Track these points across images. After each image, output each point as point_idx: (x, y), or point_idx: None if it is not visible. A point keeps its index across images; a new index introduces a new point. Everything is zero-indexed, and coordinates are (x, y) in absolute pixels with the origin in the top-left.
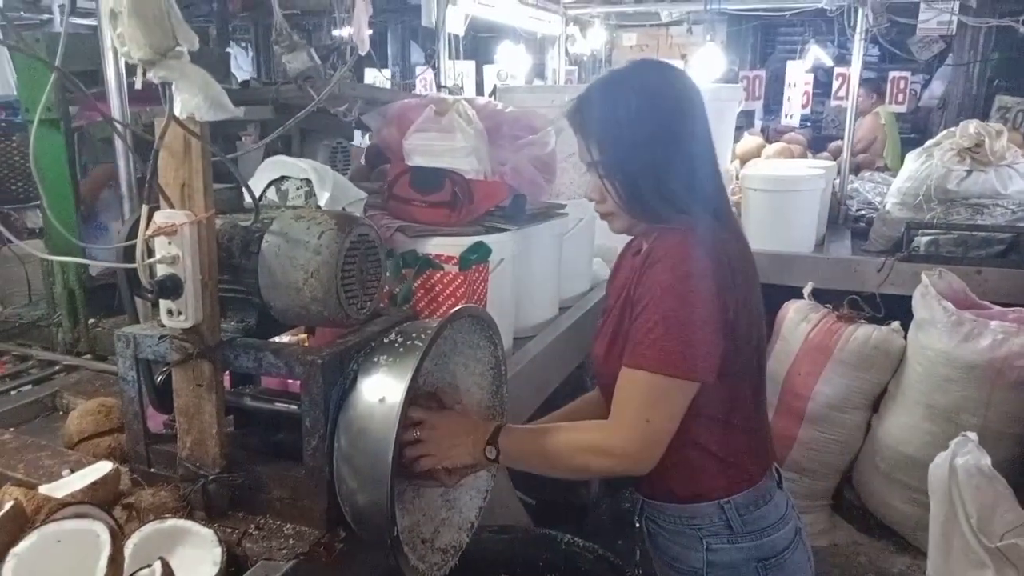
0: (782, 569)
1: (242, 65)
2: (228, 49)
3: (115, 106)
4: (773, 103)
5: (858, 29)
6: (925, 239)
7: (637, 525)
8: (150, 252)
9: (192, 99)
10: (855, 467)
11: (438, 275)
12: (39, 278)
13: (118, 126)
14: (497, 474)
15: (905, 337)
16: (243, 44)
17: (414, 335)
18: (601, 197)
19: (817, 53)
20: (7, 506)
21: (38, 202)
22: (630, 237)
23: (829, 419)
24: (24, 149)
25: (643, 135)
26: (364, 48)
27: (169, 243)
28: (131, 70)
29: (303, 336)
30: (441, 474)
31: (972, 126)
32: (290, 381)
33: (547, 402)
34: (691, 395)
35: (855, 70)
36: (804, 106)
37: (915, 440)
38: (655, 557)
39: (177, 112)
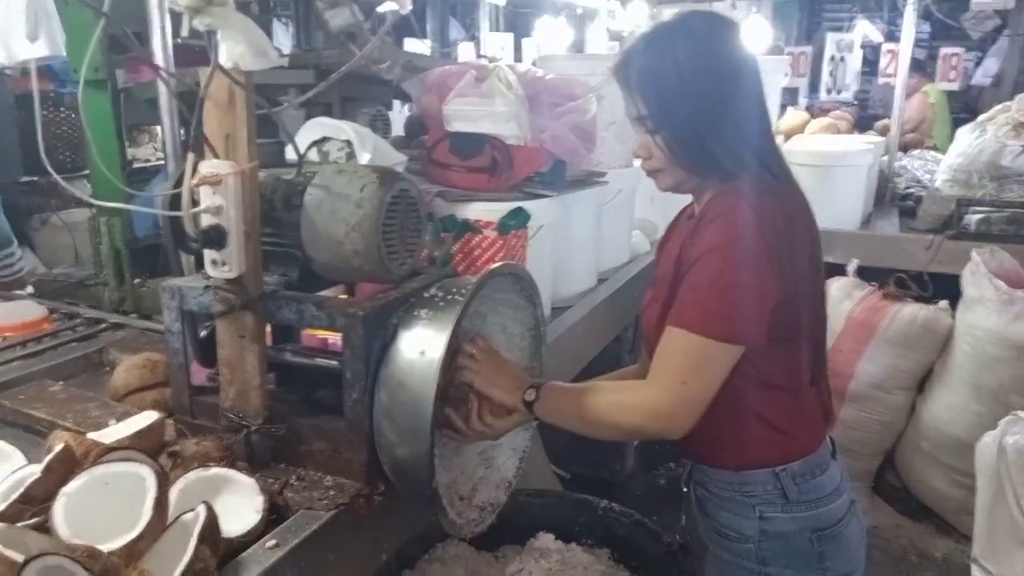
0: (837, 540)
1: (283, 41)
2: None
3: (160, 60)
4: (819, 80)
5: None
6: (976, 217)
7: (685, 490)
8: (195, 203)
9: (236, 47)
10: (897, 448)
11: (477, 239)
12: (85, 246)
13: (163, 74)
14: (534, 434)
15: (953, 316)
16: (284, 20)
17: (454, 290)
18: (648, 153)
19: (866, 28)
20: (58, 448)
21: (85, 171)
22: (675, 209)
23: (872, 398)
24: (71, 119)
25: (691, 86)
26: (406, 7)
27: (213, 193)
28: (176, 23)
29: (342, 296)
30: (483, 416)
31: None
32: (330, 341)
33: (583, 374)
34: (733, 359)
35: (905, 45)
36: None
37: (961, 421)
38: (703, 524)
39: (222, 61)
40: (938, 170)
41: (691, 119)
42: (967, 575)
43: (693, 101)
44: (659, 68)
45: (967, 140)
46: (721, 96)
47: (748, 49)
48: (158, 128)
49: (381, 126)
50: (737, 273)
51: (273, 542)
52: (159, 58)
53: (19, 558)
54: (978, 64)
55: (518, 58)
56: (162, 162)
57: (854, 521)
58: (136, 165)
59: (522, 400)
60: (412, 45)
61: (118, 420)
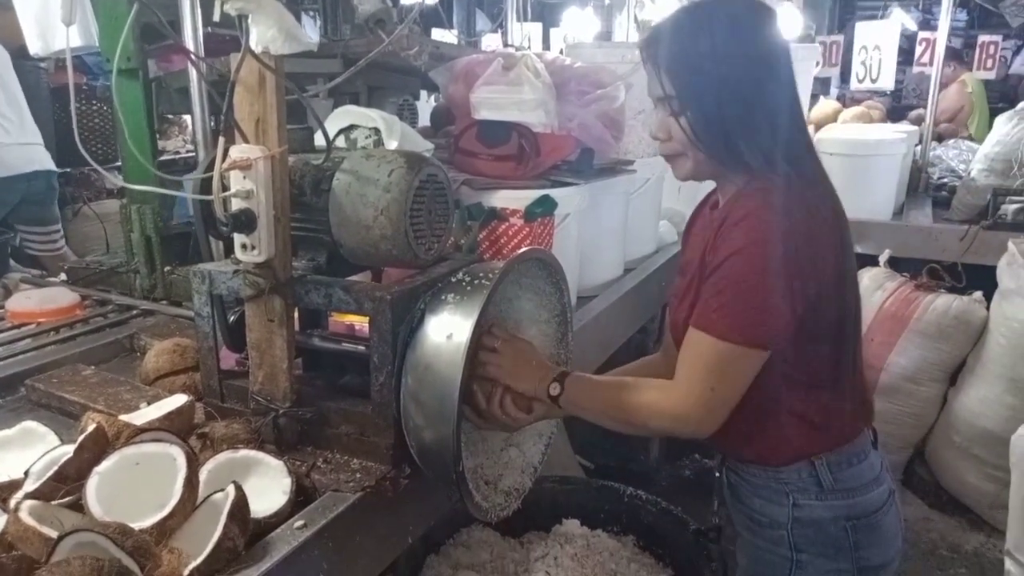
0: (873, 530)
1: (310, 34)
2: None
3: (191, 46)
4: (852, 71)
5: None
6: (1013, 207)
7: (718, 475)
8: (225, 188)
9: (267, 31)
10: (928, 441)
11: (503, 227)
12: (116, 236)
13: (194, 58)
14: (558, 422)
15: (987, 308)
16: (311, 13)
17: (481, 275)
18: (667, 135)
19: (900, 17)
20: (90, 428)
21: (117, 163)
22: (700, 196)
23: (903, 391)
24: (103, 112)
25: (723, 71)
26: None
27: (244, 177)
28: (207, 11)
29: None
30: (507, 407)
31: None
32: (357, 328)
33: (609, 362)
34: (759, 362)
35: (941, 33)
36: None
37: (995, 414)
38: (735, 509)
39: (253, 45)
40: (974, 159)
41: (719, 104)
42: (999, 570)
43: (723, 86)
44: (692, 49)
45: (1005, 128)
46: (753, 84)
47: (783, 38)
48: (187, 119)
49: (408, 116)
50: (760, 278)
51: (301, 522)
52: (190, 44)
53: (53, 534)
54: (1017, 52)
55: (546, 48)
56: (192, 154)
57: (892, 511)
58: (165, 157)
59: (546, 392)
60: (439, 35)
61: (149, 403)
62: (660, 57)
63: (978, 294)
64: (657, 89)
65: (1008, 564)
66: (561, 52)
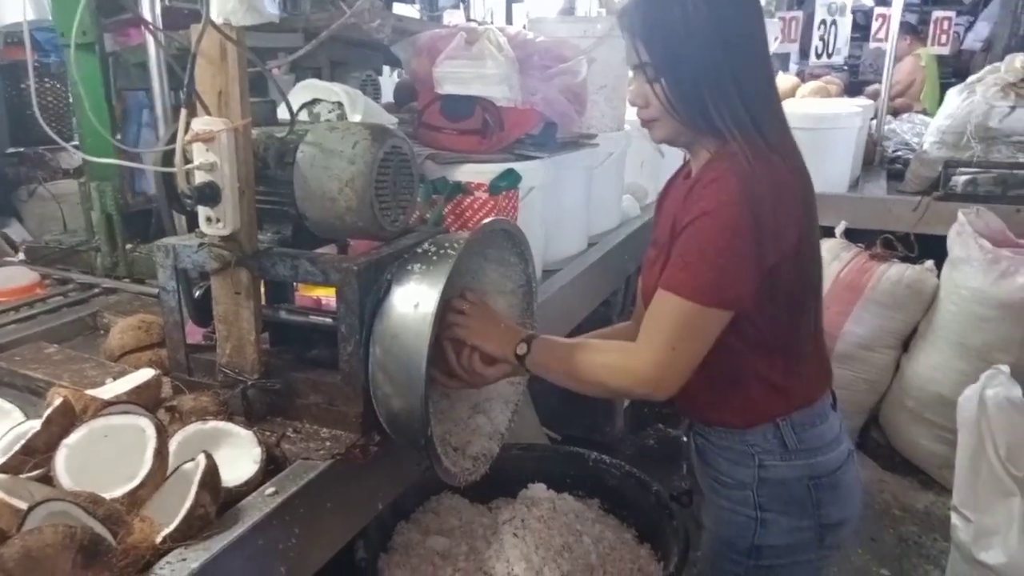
0: (833, 488)
1: (271, 7)
2: None
3: (149, 17)
4: (810, 46)
5: None
6: (963, 178)
7: (685, 439)
8: (188, 161)
9: (227, 3)
10: (882, 406)
11: (468, 200)
12: (73, 217)
13: (151, 28)
14: (525, 392)
15: (938, 276)
16: None
17: (447, 245)
18: (644, 102)
19: None
20: (57, 402)
21: (73, 143)
22: (666, 174)
23: (858, 358)
24: (56, 90)
25: (697, 38)
26: None
27: (207, 150)
28: None
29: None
30: (473, 363)
31: (1019, 60)
32: (323, 301)
33: (572, 335)
34: (722, 324)
35: (896, 9)
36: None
37: (945, 379)
38: (701, 472)
39: (213, 16)
40: (926, 132)
41: (693, 72)
42: (948, 526)
43: (698, 53)
44: (667, 16)
45: (955, 102)
46: (727, 52)
47: (759, 8)
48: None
49: (371, 91)
50: (727, 239)
51: (272, 489)
52: (148, 15)
53: (23, 505)
54: (969, 28)
55: (509, 23)
56: None
57: (851, 469)
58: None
59: (513, 353)
60: (402, 9)
61: (115, 379)
62: (635, 24)
63: (929, 263)
64: (633, 57)
65: (954, 519)
66: (524, 27)
